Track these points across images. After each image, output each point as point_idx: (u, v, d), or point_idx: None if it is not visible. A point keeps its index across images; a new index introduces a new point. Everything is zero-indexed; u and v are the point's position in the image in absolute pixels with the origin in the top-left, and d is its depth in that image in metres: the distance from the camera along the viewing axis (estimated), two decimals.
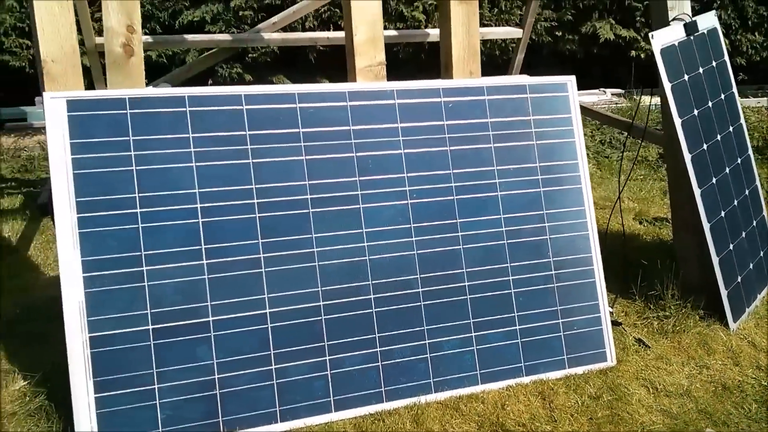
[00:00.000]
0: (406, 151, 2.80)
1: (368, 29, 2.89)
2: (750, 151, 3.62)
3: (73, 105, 2.41)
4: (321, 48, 6.33)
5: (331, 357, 2.59)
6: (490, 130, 2.94)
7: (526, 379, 2.84)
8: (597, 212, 4.50)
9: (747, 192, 3.53)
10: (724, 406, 2.79)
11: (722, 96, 3.45)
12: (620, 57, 7.38)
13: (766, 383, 2.92)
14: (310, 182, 2.65)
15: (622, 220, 3.91)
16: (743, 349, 3.13)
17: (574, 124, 3.07)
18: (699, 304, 3.30)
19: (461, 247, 2.83)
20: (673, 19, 3.27)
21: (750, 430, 2.66)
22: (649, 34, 3.08)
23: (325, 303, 2.59)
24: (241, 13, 6.35)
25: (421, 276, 2.76)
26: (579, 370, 2.92)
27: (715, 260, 3.20)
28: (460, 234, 2.84)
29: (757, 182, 3.64)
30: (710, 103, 3.35)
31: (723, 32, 7.66)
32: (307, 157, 2.66)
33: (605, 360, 2.98)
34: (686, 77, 3.21)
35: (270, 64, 6.66)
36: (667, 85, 3.10)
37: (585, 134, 6.38)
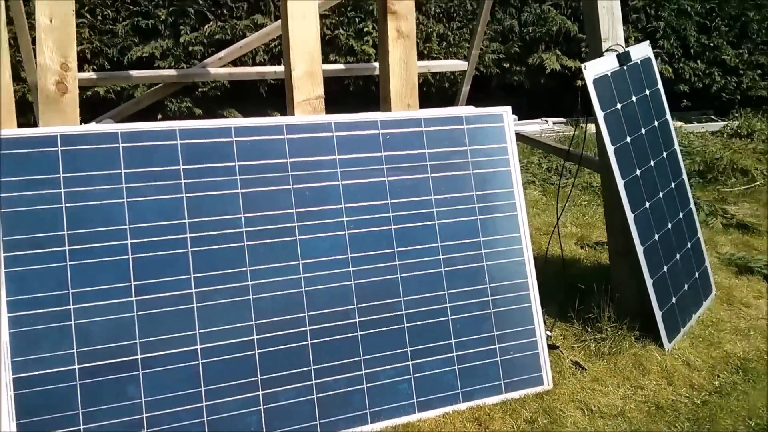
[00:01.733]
0: (344, 182, 2.84)
1: (306, 64, 2.93)
2: (684, 176, 3.73)
3: (4, 144, 2.40)
4: (272, 82, 6.38)
5: (264, 392, 2.58)
6: (428, 161, 3.00)
7: (462, 406, 2.86)
8: (540, 237, 4.61)
9: (681, 215, 3.64)
10: (657, 425, 2.84)
11: (656, 123, 3.57)
12: (567, 86, 7.58)
13: (699, 401, 2.98)
14: (245, 215, 2.66)
15: (561, 245, 3.99)
16: (677, 368, 3.20)
17: (509, 153, 3.14)
18: (635, 325, 3.38)
19: (399, 276, 2.86)
20: (607, 50, 3.39)
21: None
22: (582, 65, 3.18)
23: (259, 337, 2.59)
24: (191, 48, 6.37)
25: (359, 306, 2.78)
26: (516, 394, 2.96)
27: (649, 282, 3.28)
28: (397, 263, 2.87)
29: (692, 205, 3.75)
30: (643, 131, 3.46)
31: (666, 60, 7.94)
32: (243, 190, 2.68)
33: (542, 384, 3.02)
34: (619, 106, 3.32)
35: (220, 98, 6.68)
36: (600, 114, 3.20)
37: (533, 162, 6.53)
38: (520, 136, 4.47)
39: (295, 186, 2.76)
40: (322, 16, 6.38)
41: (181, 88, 5.60)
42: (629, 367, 3.21)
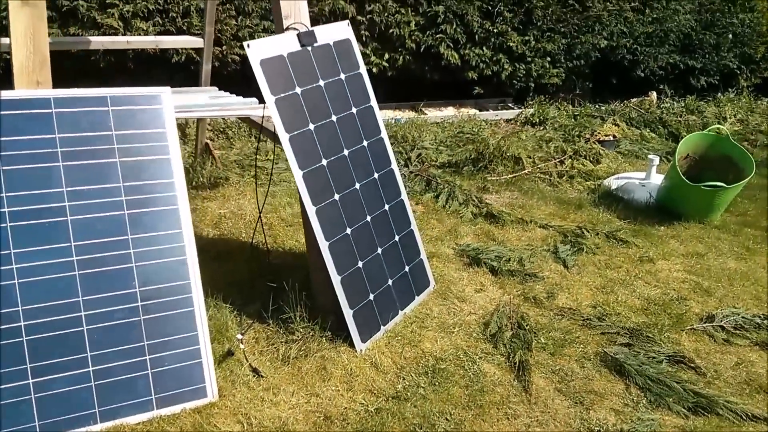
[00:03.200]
0: None
1: None
2: (393, 166, 3.55)
3: None
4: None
5: None
6: (59, 147, 2.60)
7: (97, 427, 2.51)
8: (284, 230, 4.32)
9: (387, 207, 3.46)
10: None
11: (354, 110, 3.35)
12: None
13: (373, 409, 2.80)
14: None
15: (265, 239, 3.73)
16: (363, 371, 3.01)
17: (168, 140, 2.81)
18: (327, 325, 3.16)
19: (16, 281, 2.46)
20: (287, 28, 3.12)
21: None
22: (245, 43, 2.89)
23: None
24: None
25: None
26: (169, 410, 2.65)
27: (336, 279, 3.08)
28: (14, 267, 2.46)
29: (403, 196, 3.58)
30: (335, 117, 3.23)
31: (451, 46, 7.91)
32: None
33: (204, 396, 2.73)
34: (299, 90, 3.06)
35: None
36: (270, 99, 2.93)
37: None
38: (245, 119, 4.17)
39: None
40: None
41: None
42: (312, 371, 2.98)
